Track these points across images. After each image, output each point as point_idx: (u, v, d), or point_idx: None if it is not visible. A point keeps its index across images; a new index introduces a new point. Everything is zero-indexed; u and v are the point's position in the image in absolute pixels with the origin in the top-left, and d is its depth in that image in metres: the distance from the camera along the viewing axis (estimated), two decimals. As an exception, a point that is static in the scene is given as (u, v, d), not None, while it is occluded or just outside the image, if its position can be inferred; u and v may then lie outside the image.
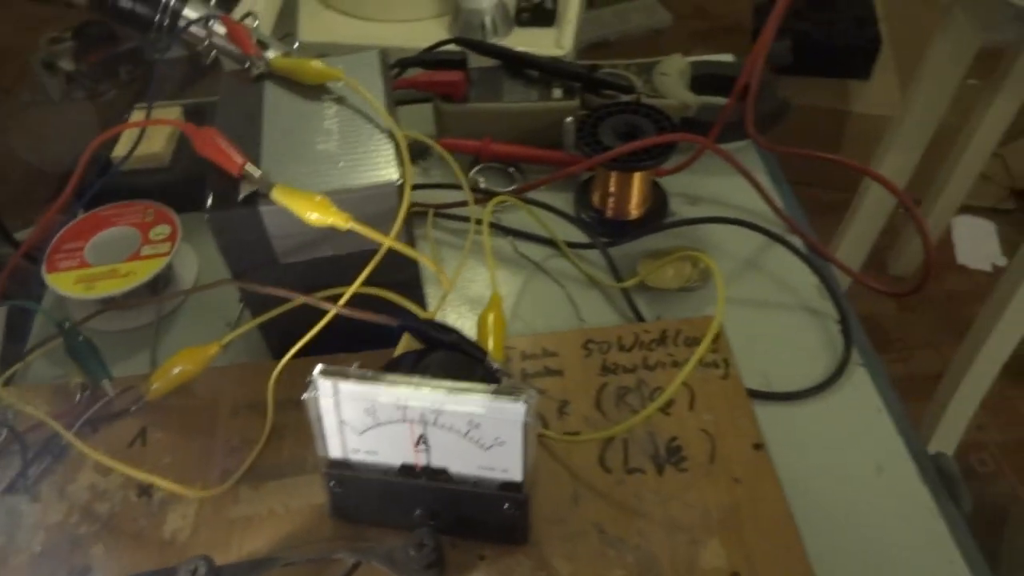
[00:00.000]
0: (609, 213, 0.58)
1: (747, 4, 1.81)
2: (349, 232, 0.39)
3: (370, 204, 0.40)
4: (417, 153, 0.64)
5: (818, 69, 1.73)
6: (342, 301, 0.40)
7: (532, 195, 0.59)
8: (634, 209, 0.58)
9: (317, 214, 0.37)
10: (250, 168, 0.39)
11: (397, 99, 0.68)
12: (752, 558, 0.38)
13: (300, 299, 0.42)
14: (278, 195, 0.38)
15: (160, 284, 0.54)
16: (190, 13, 0.53)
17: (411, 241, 0.44)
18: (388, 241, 0.39)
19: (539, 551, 0.39)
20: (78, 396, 0.46)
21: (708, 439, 0.43)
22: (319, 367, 0.35)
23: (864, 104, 1.70)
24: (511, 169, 0.62)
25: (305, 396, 0.35)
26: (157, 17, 0.52)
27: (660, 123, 0.55)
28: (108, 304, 0.52)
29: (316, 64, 0.44)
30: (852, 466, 0.45)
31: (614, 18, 2.29)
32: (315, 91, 0.45)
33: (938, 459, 0.47)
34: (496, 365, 0.39)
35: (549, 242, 0.57)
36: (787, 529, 0.39)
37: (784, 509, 0.40)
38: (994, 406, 1.52)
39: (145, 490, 0.42)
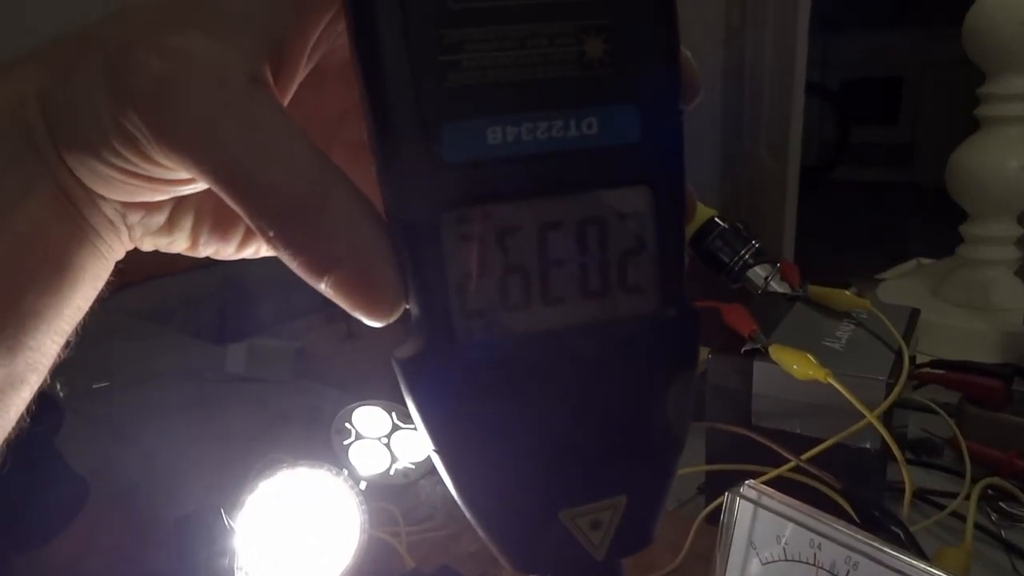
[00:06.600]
0: None
1: None
2: (821, 418, 0.41)
3: (855, 390, 0.42)
4: (930, 449, 0.61)
5: None
6: (807, 456, 0.42)
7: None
8: None
9: (802, 366, 0.41)
10: (758, 334, 0.46)
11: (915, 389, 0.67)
12: None
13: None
14: (774, 352, 0.44)
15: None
16: (758, 272, 0.66)
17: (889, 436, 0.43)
18: (870, 416, 0.40)
19: None
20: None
21: None
22: (749, 481, 0.37)
23: None
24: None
25: (727, 500, 0.37)
26: (730, 263, 0.66)
27: None
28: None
29: (847, 294, 0.51)
30: None
31: None
32: (839, 314, 0.51)
33: None
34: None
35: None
36: None
37: None
38: None
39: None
